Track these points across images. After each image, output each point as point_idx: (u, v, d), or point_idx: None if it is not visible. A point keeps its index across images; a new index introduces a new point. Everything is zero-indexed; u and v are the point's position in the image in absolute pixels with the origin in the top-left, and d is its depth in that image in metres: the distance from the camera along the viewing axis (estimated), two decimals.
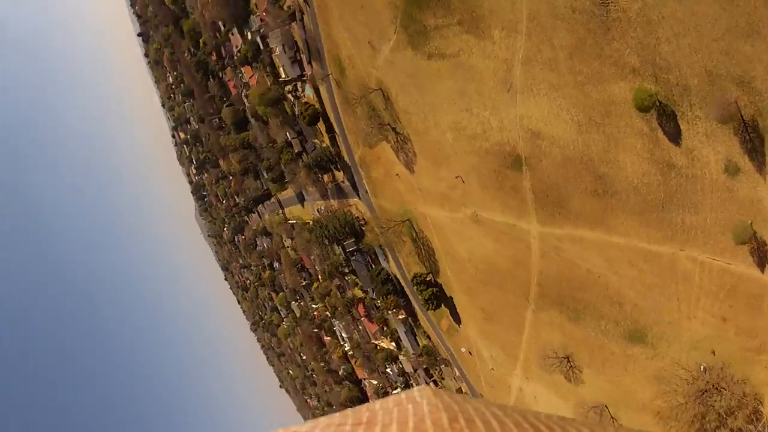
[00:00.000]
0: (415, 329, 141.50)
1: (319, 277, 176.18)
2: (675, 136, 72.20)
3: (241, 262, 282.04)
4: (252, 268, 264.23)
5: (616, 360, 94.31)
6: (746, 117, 64.23)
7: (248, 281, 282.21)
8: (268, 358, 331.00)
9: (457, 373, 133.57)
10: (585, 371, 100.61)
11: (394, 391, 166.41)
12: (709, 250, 75.27)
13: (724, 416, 78.02)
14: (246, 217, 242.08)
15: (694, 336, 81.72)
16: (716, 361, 79.38)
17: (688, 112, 69.47)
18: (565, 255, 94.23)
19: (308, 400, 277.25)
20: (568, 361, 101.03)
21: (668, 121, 71.59)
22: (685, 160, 72.53)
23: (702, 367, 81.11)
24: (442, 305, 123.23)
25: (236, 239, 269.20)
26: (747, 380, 76.67)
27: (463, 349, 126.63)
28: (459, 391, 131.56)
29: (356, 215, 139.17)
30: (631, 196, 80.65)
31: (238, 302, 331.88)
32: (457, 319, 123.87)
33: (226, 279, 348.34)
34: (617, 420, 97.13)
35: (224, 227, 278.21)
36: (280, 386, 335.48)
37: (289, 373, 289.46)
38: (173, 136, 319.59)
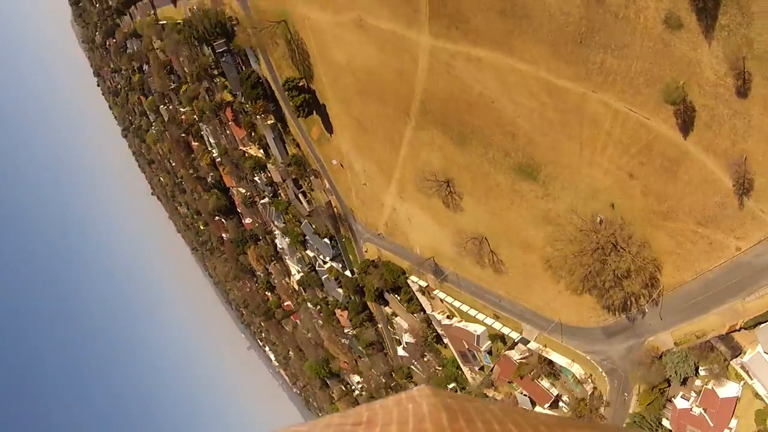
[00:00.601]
0: (284, 136, 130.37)
1: (188, 79, 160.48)
2: None
3: (111, 66, 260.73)
4: (122, 72, 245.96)
5: (502, 192, 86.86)
6: None
7: (119, 86, 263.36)
8: (139, 165, 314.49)
9: (327, 186, 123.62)
10: (465, 199, 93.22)
11: (262, 201, 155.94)
12: (628, 99, 66.57)
13: (620, 278, 73.22)
14: (118, 20, 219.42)
15: (594, 185, 74.50)
16: (615, 216, 73.28)
17: None
18: (457, 73, 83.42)
19: (178, 208, 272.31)
20: (448, 186, 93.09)
21: None
22: None
23: (599, 219, 74.78)
24: (314, 113, 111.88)
25: (107, 43, 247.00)
26: (647, 244, 71.57)
27: (334, 162, 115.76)
28: (329, 204, 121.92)
29: (229, 15, 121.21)
30: (544, 23, 69.43)
31: (110, 108, 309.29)
32: (329, 128, 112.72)
33: (98, 85, 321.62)
34: (497, 254, 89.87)
35: (96, 31, 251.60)
36: (152, 194, 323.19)
37: (160, 180, 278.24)
38: None
